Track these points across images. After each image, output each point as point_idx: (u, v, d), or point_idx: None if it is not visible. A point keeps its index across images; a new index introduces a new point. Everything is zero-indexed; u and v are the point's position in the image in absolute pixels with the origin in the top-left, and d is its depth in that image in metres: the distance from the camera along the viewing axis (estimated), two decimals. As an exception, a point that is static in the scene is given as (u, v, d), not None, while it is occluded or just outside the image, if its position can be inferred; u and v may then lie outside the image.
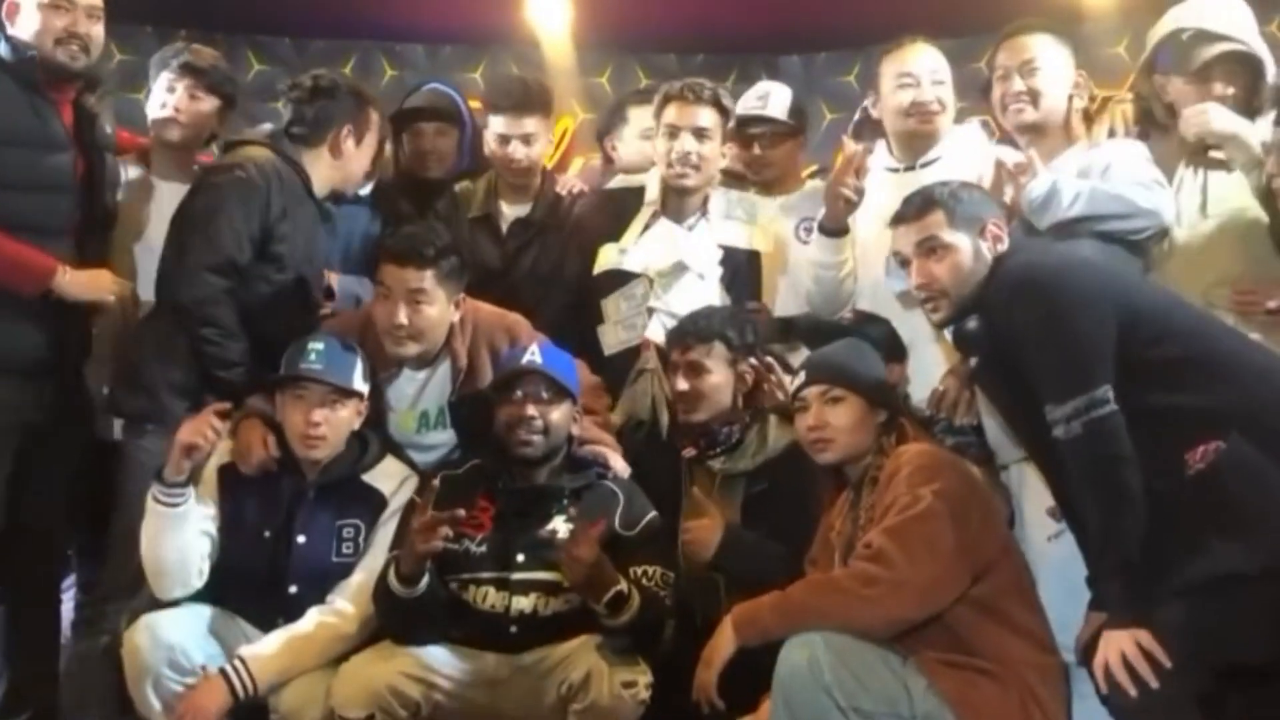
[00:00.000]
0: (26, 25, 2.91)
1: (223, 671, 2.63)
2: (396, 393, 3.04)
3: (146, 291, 3.08)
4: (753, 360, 2.99)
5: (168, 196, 3.19)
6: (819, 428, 2.57)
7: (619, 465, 2.94)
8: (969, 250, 2.43)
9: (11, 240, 2.84)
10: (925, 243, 2.45)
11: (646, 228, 3.34)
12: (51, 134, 2.93)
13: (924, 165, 3.12)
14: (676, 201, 3.33)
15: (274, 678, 2.66)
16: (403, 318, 2.88)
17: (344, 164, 3.13)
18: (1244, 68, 2.92)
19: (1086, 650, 2.27)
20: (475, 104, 3.88)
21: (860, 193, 3.01)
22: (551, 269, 3.49)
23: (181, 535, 2.71)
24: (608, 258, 3.34)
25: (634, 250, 3.32)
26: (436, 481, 2.85)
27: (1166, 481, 2.15)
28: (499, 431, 2.84)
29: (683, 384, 2.94)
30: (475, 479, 2.86)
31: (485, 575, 2.75)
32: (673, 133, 3.24)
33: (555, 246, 3.51)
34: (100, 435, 3.12)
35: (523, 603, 2.73)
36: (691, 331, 2.98)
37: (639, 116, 3.71)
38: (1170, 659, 2.07)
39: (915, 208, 2.50)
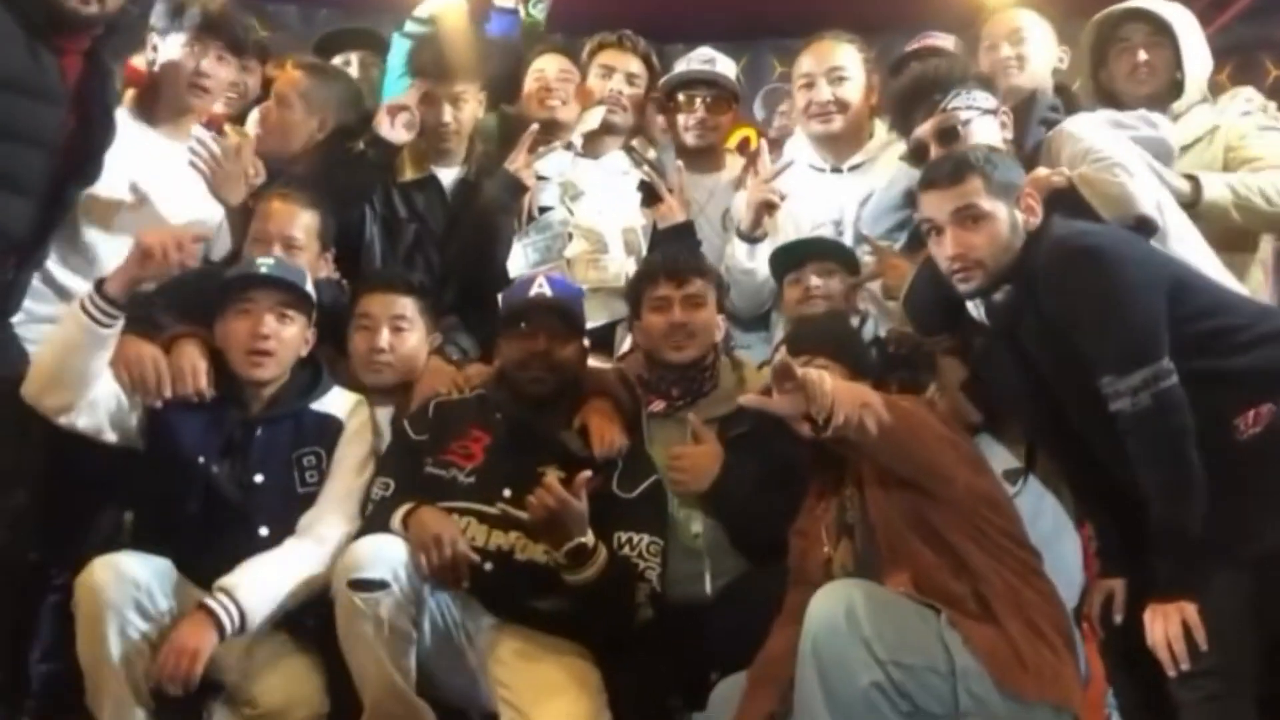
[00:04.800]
0: None
1: (203, 607, 2.33)
2: None
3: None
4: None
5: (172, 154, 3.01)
6: None
7: (613, 442, 2.68)
8: (1006, 219, 2.38)
9: None
10: (962, 211, 2.38)
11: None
12: (45, 84, 2.60)
13: (851, 169, 3.06)
14: (600, 141, 3.42)
15: (265, 608, 2.40)
16: (384, 341, 2.90)
17: None
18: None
19: (1103, 620, 2.29)
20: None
21: (782, 197, 3.00)
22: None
23: (97, 359, 2.44)
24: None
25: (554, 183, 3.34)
26: (430, 409, 2.72)
27: (1215, 449, 2.12)
28: (506, 368, 2.72)
29: (680, 316, 2.81)
30: (471, 408, 2.76)
31: (469, 506, 2.60)
32: (606, 74, 3.52)
33: None
34: None
35: (501, 540, 2.57)
36: (686, 267, 2.87)
37: None
38: (1221, 634, 2.05)
39: (948, 173, 2.42)
